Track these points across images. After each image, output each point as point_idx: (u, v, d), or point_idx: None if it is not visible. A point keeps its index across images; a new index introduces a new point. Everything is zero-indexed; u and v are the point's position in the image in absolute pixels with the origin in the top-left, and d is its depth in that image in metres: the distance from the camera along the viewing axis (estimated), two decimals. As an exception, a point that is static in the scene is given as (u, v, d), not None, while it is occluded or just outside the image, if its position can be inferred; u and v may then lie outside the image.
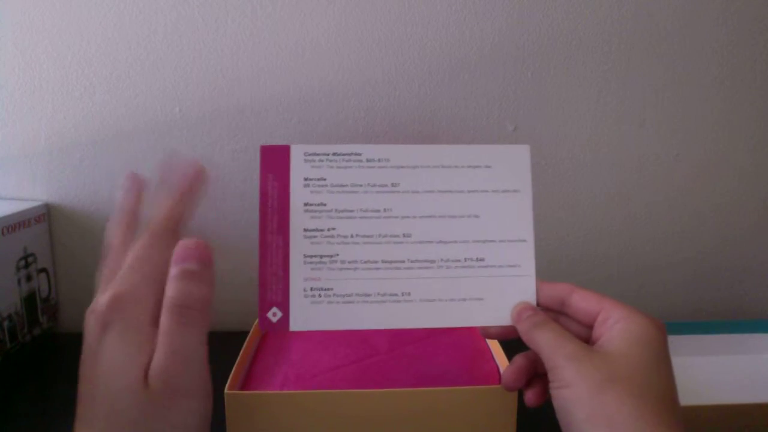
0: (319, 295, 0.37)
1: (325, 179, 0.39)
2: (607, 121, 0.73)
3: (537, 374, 0.38)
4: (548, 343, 0.35)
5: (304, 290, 0.38)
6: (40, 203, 0.71)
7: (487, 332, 0.39)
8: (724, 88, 0.73)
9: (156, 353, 0.29)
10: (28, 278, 0.68)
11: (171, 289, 0.31)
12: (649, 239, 0.78)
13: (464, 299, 0.38)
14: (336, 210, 0.38)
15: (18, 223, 0.66)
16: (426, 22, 0.69)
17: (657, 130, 0.74)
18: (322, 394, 0.45)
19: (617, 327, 0.34)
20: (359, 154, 0.39)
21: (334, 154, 0.39)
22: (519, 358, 0.38)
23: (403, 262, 0.38)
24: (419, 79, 0.71)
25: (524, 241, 0.39)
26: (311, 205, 0.38)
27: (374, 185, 0.38)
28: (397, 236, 0.38)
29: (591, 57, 0.71)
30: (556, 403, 0.33)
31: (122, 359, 0.29)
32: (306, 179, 0.39)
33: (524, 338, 0.37)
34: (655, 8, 0.70)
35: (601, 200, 0.76)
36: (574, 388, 0.32)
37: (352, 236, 0.38)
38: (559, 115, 0.73)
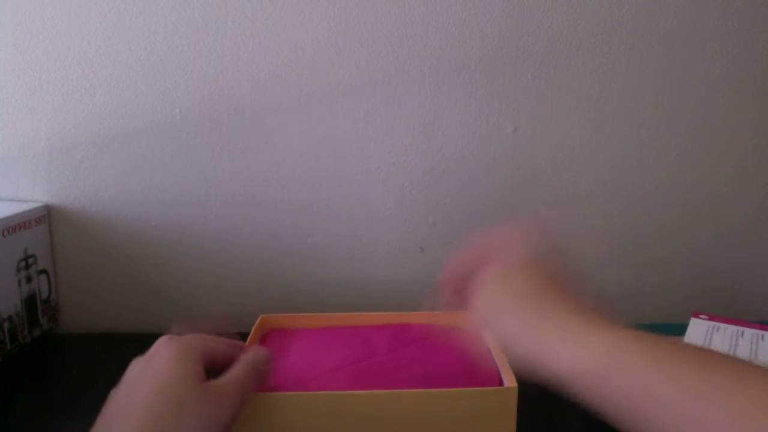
0: None
1: None
2: (607, 121, 0.73)
3: None
4: None
5: None
6: (40, 204, 0.71)
7: None
8: (724, 88, 0.73)
9: (231, 370, 0.40)
10: (29, 279, 0.68)
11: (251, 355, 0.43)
12: (649, 239, 0.78)
13: None
14: None
15: (18, 224, 0.66)
16: (426, 22, 0.69)
17: (657, 131, 0.74)
18: (322, 395, 0.45)
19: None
20: None
21: None
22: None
23: None
24: (419, 79, 0.71)
25: None
26: None
27: None
28: None
29: (591, 57, 0.71)
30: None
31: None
32: None
33: None
34: (655, 8, 0.70)
35: (600, 200, 0.76)
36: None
37: None
38: (559, 115, 0.73)
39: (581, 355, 0.32)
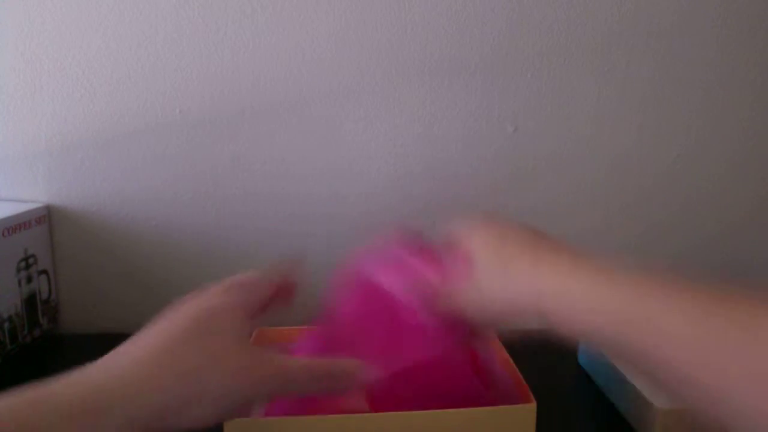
0: None
1: None
2: (607, 121, 0.73)
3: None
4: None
5: None
6: (40, 205, 0.71)
7: None
8: (723, 88, 0.73)
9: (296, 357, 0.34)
10: (29, 279, 0.68)
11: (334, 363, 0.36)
12: (649, 239, 0.78)
13: None
14: None
15: (18, 224, 0.66)
16: (426, 23, 0.69)
17: (657, 131, 0.74)
18: (324, 420, 0.45)
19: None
20: None
21: None
22: None
23: None
24: (419, 80, 0.71)
25: None
26: None
27: None
28: None
29: (591, 57, 0.71)
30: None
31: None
32: None
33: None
34: (655, 8, 0.70)
35: (600, 200, 0.76)
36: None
37: None
38: (559, 115, 0.73)
39: (603, 295, 0.32)
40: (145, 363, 0.29)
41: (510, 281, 0.36)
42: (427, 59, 0.70)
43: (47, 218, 0.72)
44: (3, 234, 0.64)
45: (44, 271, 0.71)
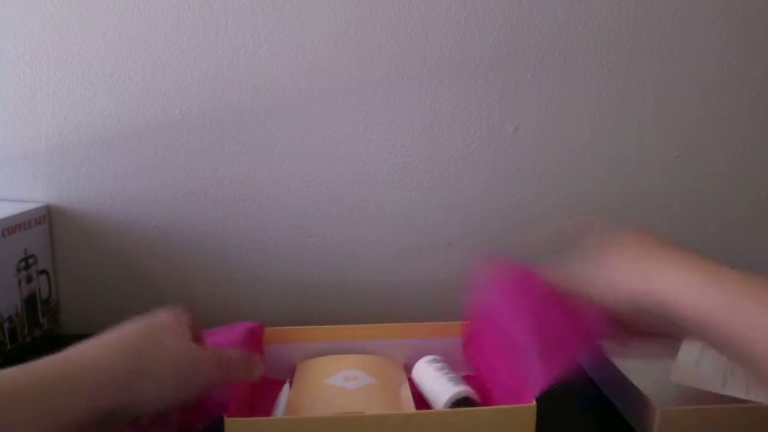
0: None
1: None
2: (607, 121, 0.73)
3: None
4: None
5: None
6: (40, 205, 0.71)
7: None
8: (724, 88, 0.73)
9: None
10: (29, 279, 0.68)
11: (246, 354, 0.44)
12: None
13: None
14: None
15: (18, 224, 0.66)
16: (426, 23, 0.69)
17: (657, 131, 0.74)
18: (327, 419, 0.45)
19: None
20: None
21: None
22: None
23: None
24: (419, 80, 0.71)
25: None
26: None
27: None
28: None
29: (591, 58, 0.71)
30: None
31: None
32: None
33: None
34: (655, 8, 0.70)
35: (601, 201, 0.76)
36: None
37: None
38: (559, 115, 0.73)
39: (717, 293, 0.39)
40: (104, 345, 0.37)
41: (639, 277, 0.41)
42: (427, 59, 0.70)
43: (47, 218, 0.72)
44: (3, 234, 0.64)
45: (44, 271, 0.71)
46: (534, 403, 0.45)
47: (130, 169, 0.72)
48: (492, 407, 0.46)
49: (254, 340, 0.58)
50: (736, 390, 0.51)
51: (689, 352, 0.57)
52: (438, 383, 0.55)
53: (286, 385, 0.54)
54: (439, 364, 0.58)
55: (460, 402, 0.51)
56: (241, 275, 0.75)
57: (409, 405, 0.51)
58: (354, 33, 0.69)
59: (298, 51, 0.69)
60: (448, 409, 0.48)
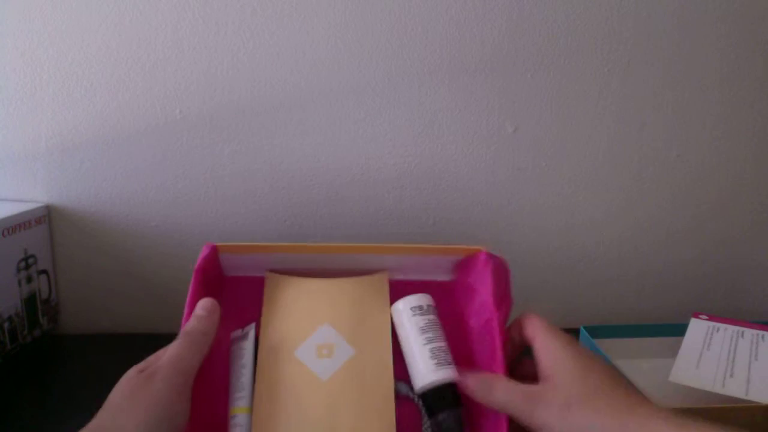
0: None
1: None
2: (607, 122, 0.73)
3: None
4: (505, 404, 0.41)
5: None
6: (40, 205, 0.71)
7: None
8: (724, 88, 0.73)
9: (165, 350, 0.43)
10: (29, 279, 0.68)
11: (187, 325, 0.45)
12: (649, 240, 0.78)
13: None
14: None
15: (18, 224, 0.66)
16: (426, 22, 0.69)
17: (657, 131, 0.74)
18: None
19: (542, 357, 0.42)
20: None
21: None
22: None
23: None
24: (419, 80, 0.71)
25: None
26: None
27: None
28: None
29: (591, 58, 0.71)
30: None
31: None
32: None
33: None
34: (655, 9, 0.70)
35: (601, 201, 0.76)
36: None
37: None
38: (559, 115, 0.73)
39: None
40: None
41: (598, 419, 0.37)
42: (427, 59, 0.70)
43: (47, 218, 0.72)
44: (3, 234, 0.64)
45: (44, 271, 0.71)
46: None
47: (130, 169, 0.72)
48: None
49: (209, 267, 0.50)
50: (736, 390, 0.51)
51: (689, 352, 0.57)
52: (419, 355, 0.47)
53: (251, 333, 0.48)
54: (424, 320, 0.49)
55: (443, 388, 0.46)
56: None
57: (389, 411, 0.46)
58: (354, 33, 0.69)
59: (298, 51, 0.69)
60: None
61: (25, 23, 0.67)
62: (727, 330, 0.62)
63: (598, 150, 0.74)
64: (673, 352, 0.57)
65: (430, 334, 0.48)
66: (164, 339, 0.43)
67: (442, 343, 0.48)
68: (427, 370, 0.46)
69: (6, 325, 0.65)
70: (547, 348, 0.42)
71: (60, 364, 0.69)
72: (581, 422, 0.37)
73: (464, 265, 0.53)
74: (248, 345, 0.47)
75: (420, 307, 0.49)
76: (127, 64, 0.69)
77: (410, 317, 0.49)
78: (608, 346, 0.62)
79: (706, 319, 0.64)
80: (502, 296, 0.48)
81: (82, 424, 0.37)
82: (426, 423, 0.46)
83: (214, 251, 0.50)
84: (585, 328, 0.65)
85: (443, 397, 0.46)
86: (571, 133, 0.74)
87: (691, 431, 0.35)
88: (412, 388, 0.47)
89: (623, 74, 0.72)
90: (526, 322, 0.44)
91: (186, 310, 0.46)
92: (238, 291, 0.52)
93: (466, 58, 0.70)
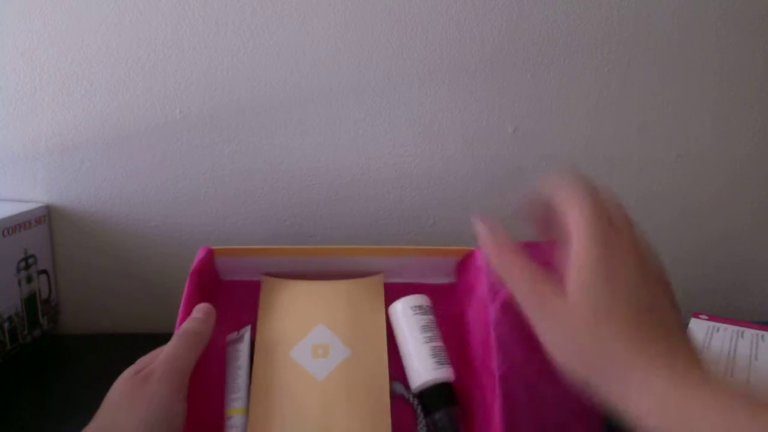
0: None
1: None
2: (607, 121, 0.73)
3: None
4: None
5: None
6: (40, 205, 0.71)
7: None
8: (724, 88, 0.73)
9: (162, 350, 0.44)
10: (29, 280, 0.68)
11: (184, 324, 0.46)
12: (649, 240, 0.78)
13: None
14: None
15: (18, 224, 0.66)
16: (426, 22, 0.69)
17: (657, 131, 0.74)
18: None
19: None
20: None
21: None
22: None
23: None
24: (419, 80, 0.71)
25: None
26: None
27: None
28: None
29: (591, 58, 0.71)
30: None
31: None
32: None
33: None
34: (655, 8, 0.70)
35: (601, 200, 0.76)
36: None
37: None
38: (559, 115, 0.73)
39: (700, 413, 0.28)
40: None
41: (605, 357, 0.32)
42: (427, 59, 0.70)
43: (47, 218, 0.72)
44: (3, 234, 0.64)
45: (44, 271, 0.71)
46: None
47: (130, 169, 0.72)
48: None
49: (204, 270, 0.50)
50: (736, 390, 0.51)
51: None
52: (419, 354, 0.47)
53: (247, 335, 0.48)
54: (424, 320, 0.49)
55: (439, 387, 0.46)
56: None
57: (385, 412, 0.46)
58: (354, 33, 0.69)
59: (298, 51, 0.69)
60: None
61: (25, 23, 0.67)
62: (727, 330, 0.62)
63: (598, 150, 0.74)
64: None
65: (429, 334, 0.48)
66: (164, 339, 0.44)
67: (441, 343, 0.48)
68: (427, 368, 0.46)
69: (6, 325, 0.65)
70: (581, 260, 0.35)
71: (60, 364, 0.69)
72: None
73: (463, 265, 0.53)
74: (244, 347, 0.48)
75: (420, 307, 0.50)
76: (127, 64, 0.69)
77: (410, 316, 0.49)
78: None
79: (706, 319, 0.64)
80: (497, 290, 0.48)
81: (82, 424, 0.37)
82: (421, 422, 0.46)
83: (210, 254, 0.50)
84: (585, 328, 0.65)
85: (440, 395, 0.46)
86: (571, 133, 0.74)
87: (738, 413, 0.27)
88: (407, 388, 0.47)
89: (623, 74, 0.72)
90: (569, 211, 0.37)
91: (180, 313, 0.47)
92: (233, 295, 0.52)
93: (466, 58, 0.70)
